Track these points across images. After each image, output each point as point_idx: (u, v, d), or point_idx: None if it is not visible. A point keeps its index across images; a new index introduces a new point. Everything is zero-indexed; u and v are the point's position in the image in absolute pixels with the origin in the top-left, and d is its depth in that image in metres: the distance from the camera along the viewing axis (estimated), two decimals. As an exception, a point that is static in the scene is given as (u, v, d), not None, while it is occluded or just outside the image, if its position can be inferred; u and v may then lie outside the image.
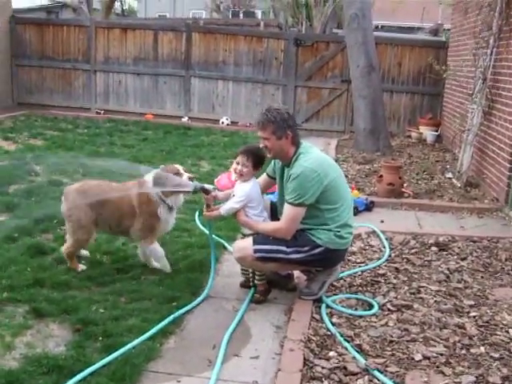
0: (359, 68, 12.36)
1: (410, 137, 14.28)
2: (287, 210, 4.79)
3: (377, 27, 24.22)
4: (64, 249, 5.57)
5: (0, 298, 4.87)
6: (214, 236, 5.94)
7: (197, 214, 7.34)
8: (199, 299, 5.02)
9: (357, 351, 4.21)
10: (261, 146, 4.94)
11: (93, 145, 11.65)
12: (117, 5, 36.88)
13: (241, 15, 38.53)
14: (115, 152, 11.03)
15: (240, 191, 5.01)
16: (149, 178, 5.41)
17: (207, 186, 5.17)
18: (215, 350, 4.26)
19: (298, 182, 4.70)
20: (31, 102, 16.24)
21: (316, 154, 4.89)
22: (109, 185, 5.69)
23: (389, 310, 4.95)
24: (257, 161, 4.98)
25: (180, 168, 5.44)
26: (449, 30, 15.46)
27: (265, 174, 5.39)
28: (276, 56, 15.36)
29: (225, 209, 5.06)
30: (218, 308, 5.00)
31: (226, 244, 6.43)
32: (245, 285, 5.37)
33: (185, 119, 15.49)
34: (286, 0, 30.21)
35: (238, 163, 5.01)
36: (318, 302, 5.02)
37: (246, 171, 5.00)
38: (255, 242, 4.90)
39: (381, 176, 8.83)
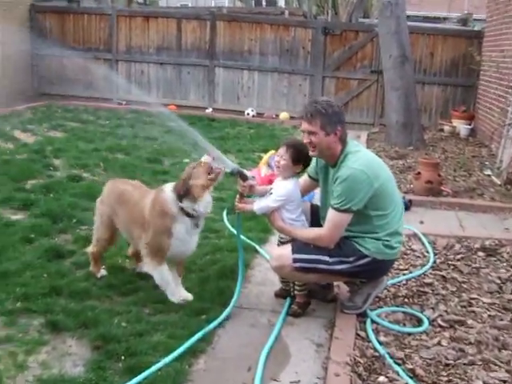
0: (392, 58, 11.82)
1: (442, 130, 13.72)
2: (331, 216, 4.31)
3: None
4: (89, 249, 5.18)
5: (13, 308, 4.47)
6: (243, 238, 5.50)
7: (225, 212, 6.89)
8: (228, 310, 4.54)
9: (410, 377, 3.74)
10: (304, 141, 4.43)
11: (114, 137, 11.23)
12: (139, -6, 36.50)
13: (263, 4, 38.03)
14: (138, 145, 10.61)
15: (280, 189, 4.50)
16: (168, 187, 4.70)
17: (246, 172, 4.65)
18: (251, 373, 3.81)
19: (345, 185, 4.21)
20: (52, 93, 15.89)
21: (365, 154, 4.41)
22: (135, 185, 5.13)
23: (440, 326, 4.47)
24: (296, 155, 4.47)
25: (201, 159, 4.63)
26: (478, 20, 14.88)
27: (306, 174, 4.87)
28: (303, 45, 14.85)
29: (260, 206, 4.55)
30: (251, 321, 4.54)
31: (258, 247, 5.97)
32: (280, 294, 4.91)
33: (209, 110, 15.05)
34: (311, -12, 29.67)
35: (278, 155, 4.55)
36: (362, 316, 4.55)
37: (283, 164, 4.51)
38: (294, 251, 4.44)
39: (418, 173, 8.33)
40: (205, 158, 4.59)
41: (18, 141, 10.31)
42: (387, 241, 4.33)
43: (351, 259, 4.35)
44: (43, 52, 15.94)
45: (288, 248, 4.50)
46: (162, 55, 15.53)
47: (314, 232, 4.46)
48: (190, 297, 4.72)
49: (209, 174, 4.55)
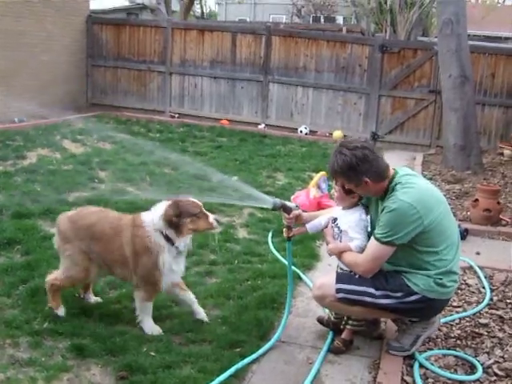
0: (451, 78, 11.36)
1: (502, 154, 13.12)
2: (372, 247, 3.97)
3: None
4: (50, 278, 4.50)
5: (40, 329, 4.28)
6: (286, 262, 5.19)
7: (270, 235, 6.60)
8: (267, 347, 4.24)
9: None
10: None
11: (163, 151, 11.07)
12: (197, 7, 36.74)
13: (322, 20, 37.80)
14: (186, 160, 10.42)
15: (352, 225, 4.18)
16: (152, 213, 4.39)
17: (289, 204, 4.38)
18: (284, 418, 3.50)
19: (391, 216, 3.85)
20: (105, 103, 15.95)
21: (418, 186, 3.97)
22: (106, 214, 4.66)
23: (496, 374, 4.05)
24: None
25: (200, 204, 4.44)
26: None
27: None
28: (360, 63, 14.47)
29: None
30: (288, 358, 4.22)
31: (302, 274, 5.64)
32: (323, 321, 4.59)
33: (261, 126, 14.79)
34: (370, 6, 29.28)
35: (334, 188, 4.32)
36: (410, 358, 4.17)
37: (336, 197, 4.26)
38: (338, 280, 4.15)
39: (476, 200, 7.88)
40: (213, 220, 4.41)
41: (66, 151, 10.27)
42: (440, 279, 3.95)
43: (399, 294, 3.99)
44: (98, 63, 15.99)
45: (332, 277, 4.21)
46: (216, 69, 15.37)
47: (352, 257, 4.12)
48: (159, 331, 4.42)
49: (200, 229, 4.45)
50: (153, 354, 4.05)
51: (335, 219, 4.27)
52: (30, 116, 13.13)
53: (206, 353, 4.09)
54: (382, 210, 3.94)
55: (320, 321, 4.65)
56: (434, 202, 3.97)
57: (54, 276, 4.50)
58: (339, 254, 4.18)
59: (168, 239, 4.31)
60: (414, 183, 3.97)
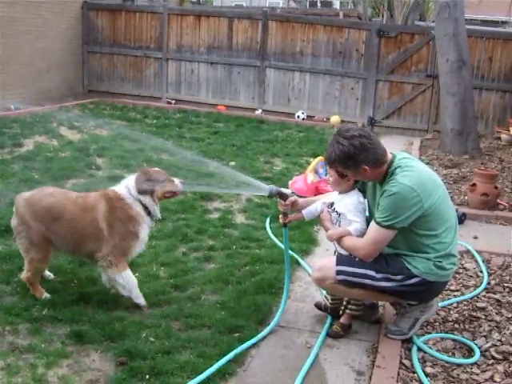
0: (449, 62, 11.32)
1: (499, 139, 13.10)
2: (373, 231, 3.98)
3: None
4: (23, 275, 4.57)
5: (39, 316, 4.30)
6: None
7: (268, 220, 6.60)
8: (265, 332, 4.26)
9: (459, 416, 3.39)
10: None
11: (160, 137, 11.05)
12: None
13: (318, 5, 37.65)
14: (183, 145, 10.41)
15: (351, 208, 4.18)
16: (125, 185, 4.49)
17: (284, 191, 4.41)
18: (283, 402, 3.52)
19: (391, 200, 3.85)
20: (101, 90, 15.90)
21: (417, 169, 3.98)
22: (66, 195, 4.65)
23: (493, 357, 4.06)
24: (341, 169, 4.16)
25: (164, 172, 4.65)
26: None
27: None
28: (357, 48, 14.40)
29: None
30: (287, 342, 4.23)
31: (300, 259, 5.65)
32: (321, 307, 4.60)
33: (258, 112, 14.75)
34: (367, -10, 29.13)
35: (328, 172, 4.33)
36: (408, 342, 4.19)
37: (332, 181, 4.25)
38: (339, 262, 4.15)
39: (474, 184, 7.87)
40: (179, 183, 4.60)
41: (63, 138, 10.24)
42: (439, 261, 3.96)
43: (399, 277, 4.00)
44: (94, 49, 15.92)
45: (332, 259, 4.23)
46: (213, 55, 15.30)
47: (352, 241, 4.11)
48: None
49: (171, 192, 4.61)
50: (152, 339, 4.06)
51: (332, 204, 4.26)
52: (26, 103, 13.07)
53: (205, 338, 4.10)
54: (382, 193, 3.93)
55: (318, 306, 4.66)
56: (433, 186, 3.97)
57: (24, 272, 4.56)
58: (339, 239, 4.18)
59: (146, 208, 4.45)
60: (414, 166, 3.97)
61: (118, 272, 4.41)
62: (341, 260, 4.18)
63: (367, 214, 4.22)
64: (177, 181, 4.57)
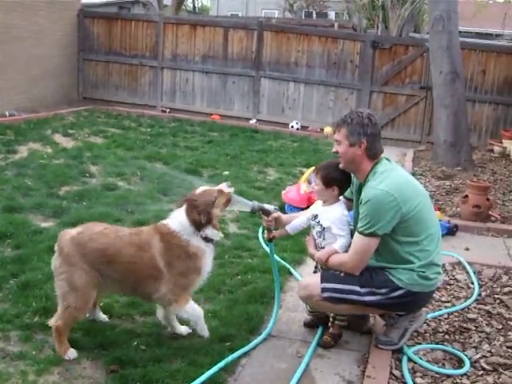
0: (442, 74, 11.40)
1: (492, 151, 13.19)
2: (356, 241, 4.01)
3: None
4: (53, 321, 3.96)
5: (31, 323, 4.30)
6: (277, 259, 5.23)
7: (260, 230, 6.61)
8: (257, 341, 4.28)
9: (448, 427, 3.41)
10: (333, 150, 4.19)
11: (155, 145, 11.07)
12: (189, 2, 36.65)
13: (314, 16, 37.83)
14: (177, 154, 10.42)
15: (336, 221, 4.19)
16: (179, 220, 4.08)
17: (267, 207, 4.40)
18: (273, 411, 3.53)
19: (369, 207, 3.89)
20: (96, 97, 15.91)
21: (395, 174, 4.04)
22: (118, 233, 4.13)
23: (483, 368, 4.08)
24: (326, 178, 4.21)
25: (207, 186, 4.23)
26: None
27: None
28: (351, 59, 14.49)
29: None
30: (278, 352, 4.24)
31: (292, 269, 5.67)
32: (310, 324, 4.61)
33: (253, 121, 14.80)
34: (362, 1, 29.25)
35: (314, 181, 4.33)
36: (398, 352, 4.21)
37: (316, 190, 4.29)
38: (323, 280, 4.16)
39: (466, 196, 7.91)
40: (226, 188, 4.22)
41: (57, 145, 10.26)
42: (423, 272, 3.99)
43: (383, 291, 4.03)
44: (89, 57, 15.95)
45: (317, 277, 4.24)
46: (208, 64, 15.35)
47: (338, 257, 4.14)
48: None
49: (226, 203, 4.24)
50: (143, 347, 4.07)
51: (315, 216, 4.30)
52: (20, 110, 13.08)
53: (196, 346, 4.11)
54: (361, 201, 3.98)
55: (307, 325, 4.65)
56: (413, 192, 4.04)
57: (54, 318, 3.97)
58: (327, 260, 4.19)
59: (207, 240, 4.12)
60: (393, 171, 4.05)
61: (180, 307, 4.09)
62: (325, 277, 4.19)
63: (351, 226, 4.26)
64: (224, 187, 4.18)
